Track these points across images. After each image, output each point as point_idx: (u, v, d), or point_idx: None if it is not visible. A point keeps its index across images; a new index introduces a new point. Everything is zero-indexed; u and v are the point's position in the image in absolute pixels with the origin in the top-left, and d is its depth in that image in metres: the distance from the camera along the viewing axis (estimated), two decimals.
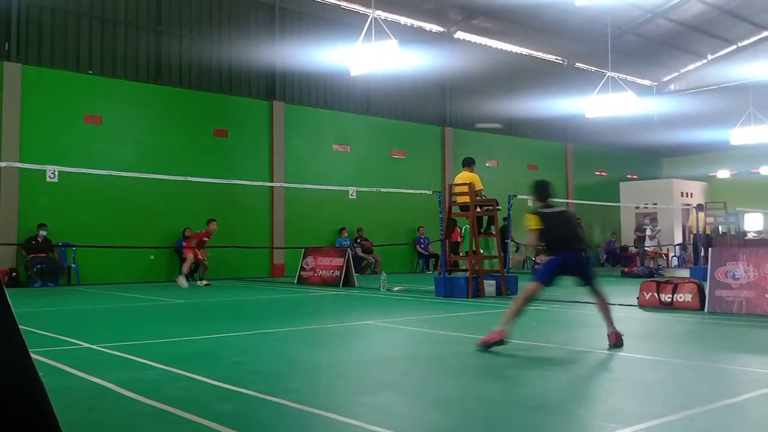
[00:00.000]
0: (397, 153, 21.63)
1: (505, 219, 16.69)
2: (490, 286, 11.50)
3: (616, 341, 5.93)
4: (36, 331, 6.97)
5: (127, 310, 10.07)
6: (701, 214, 18.64)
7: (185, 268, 14.93)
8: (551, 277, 6.02)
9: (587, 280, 6.11)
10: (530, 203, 6.60)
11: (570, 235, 6.15)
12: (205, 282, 14.95)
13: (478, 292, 11.23)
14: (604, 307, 6.11)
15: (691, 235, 20.26)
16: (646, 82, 30.13)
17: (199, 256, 15.15)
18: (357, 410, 3.86)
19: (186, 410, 3.67)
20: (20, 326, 1.76)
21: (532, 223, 6.21)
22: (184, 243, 15.90)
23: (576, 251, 6.11)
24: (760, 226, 25.25)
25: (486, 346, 5.74)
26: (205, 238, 15.22)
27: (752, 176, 27.91)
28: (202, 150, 17.46)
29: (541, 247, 6.32)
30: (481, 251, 12.08)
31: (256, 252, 18.08)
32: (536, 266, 6.50)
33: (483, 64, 23.74)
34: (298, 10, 19.53)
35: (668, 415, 3.60)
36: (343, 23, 19.49)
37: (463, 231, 12.35)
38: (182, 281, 14.38)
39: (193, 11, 17.78)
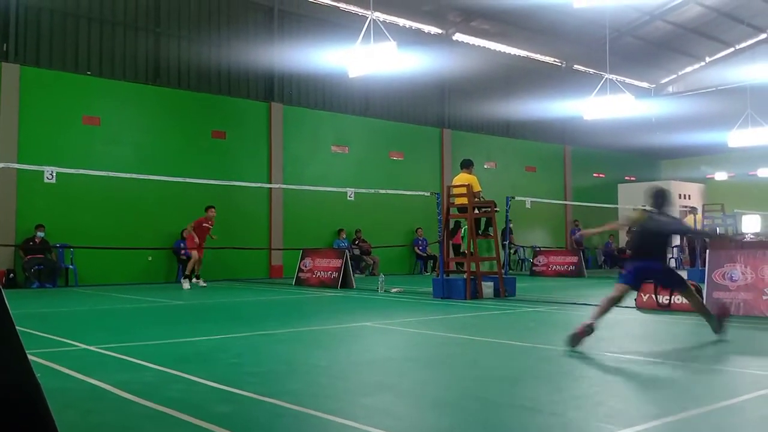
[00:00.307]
0: (396, 154, 21.64)
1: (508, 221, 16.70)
2: (488, 287, 11.49)
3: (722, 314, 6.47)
4: (33, 332, 6.96)
5: (124, 312, 10.05)
6: (697, 217, 18.65)
7: (188, 268, 14.60)
8: (637, 282, 6.34)
9: (671, 287, 6.38)
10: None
11: (653, 245, 6.36)
12: (202, 282, 14.83)
13: (476, 294, 11.23)
14: (698, 307, 6.65)
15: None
16: (644, 85, 30.17)
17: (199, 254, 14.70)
18: (355, 411, 3.86)
19: (183, 412, 3.66)
20: (18, 327, 1.76)
21: (637, 216, 6.50)
22: (182, 244, 15.72)
23: (652, 260, 6.33)
24: (757, 228, 25.28)
25: (576, 340, 5.83)
26: (205, 224, 14.62)
27: (750, 178, 27.94)
28: (201, 151, 17.46)
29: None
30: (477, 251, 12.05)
31: (254, 253, 18.07)
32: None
33: (481, 65, 23.77)
34: (297, 12, 19.54)
35: (666, 417, 3.61)
36: (341, 25, 19.50)
37: (463, 232, 12.36)
38: (186, 284, 14.21)
39: (192, 13, 17.78)
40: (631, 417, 3.68)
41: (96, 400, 4.06)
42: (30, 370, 1.72)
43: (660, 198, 6.48)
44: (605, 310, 6.11)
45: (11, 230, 14.64)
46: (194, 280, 14.67)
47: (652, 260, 6.33)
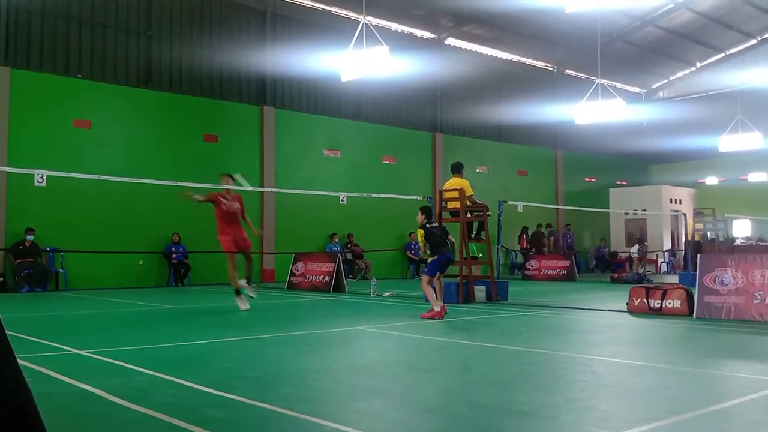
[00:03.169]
0: (388, 158, 21.64)
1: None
2: (480, 291, 11.51)
3: None
4: (23, 336, 6.91)
5: (115, 316, 10.00)
6: (690, 220, 18.42)
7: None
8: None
9: None
10: None
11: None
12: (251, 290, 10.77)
13: (468, 298, 11.23)
14: None
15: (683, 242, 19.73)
16: (635, 89, 30.33)
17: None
18: (348, 416, 3.85)
19: (175, 416, 3.64)
20: (7, 332, 1.74)
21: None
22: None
23: None
24: (748, 233, 25.44)
25: None
26: (222, 200, 10.26)
27: (740, 183, 28.14)
28: (192, 154, 17.38)
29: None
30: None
31: None
32: None
33: (473, 70, 23.84)
34: (289, 16, 19.53)
35: (657, 421, 3.61)
36: (334, 29, 19.52)
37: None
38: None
39: (184, 16, 17.74)
40: (622, 421, 3.69)
41: (86, 405, 4.03)
42: (19, 374, 1.70)
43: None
44: None
45: (1, 234, 14.55)
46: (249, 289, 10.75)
47: None
